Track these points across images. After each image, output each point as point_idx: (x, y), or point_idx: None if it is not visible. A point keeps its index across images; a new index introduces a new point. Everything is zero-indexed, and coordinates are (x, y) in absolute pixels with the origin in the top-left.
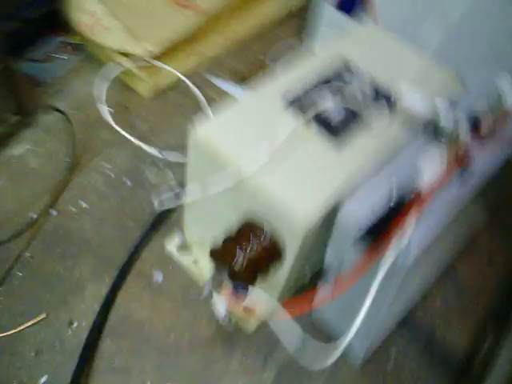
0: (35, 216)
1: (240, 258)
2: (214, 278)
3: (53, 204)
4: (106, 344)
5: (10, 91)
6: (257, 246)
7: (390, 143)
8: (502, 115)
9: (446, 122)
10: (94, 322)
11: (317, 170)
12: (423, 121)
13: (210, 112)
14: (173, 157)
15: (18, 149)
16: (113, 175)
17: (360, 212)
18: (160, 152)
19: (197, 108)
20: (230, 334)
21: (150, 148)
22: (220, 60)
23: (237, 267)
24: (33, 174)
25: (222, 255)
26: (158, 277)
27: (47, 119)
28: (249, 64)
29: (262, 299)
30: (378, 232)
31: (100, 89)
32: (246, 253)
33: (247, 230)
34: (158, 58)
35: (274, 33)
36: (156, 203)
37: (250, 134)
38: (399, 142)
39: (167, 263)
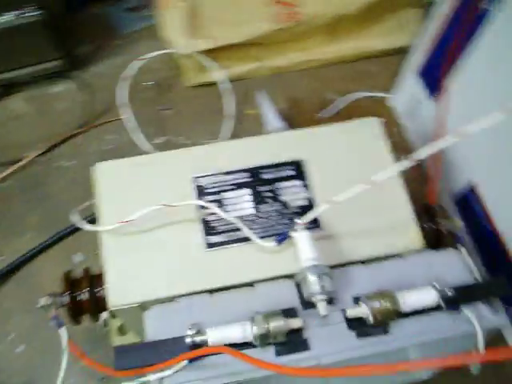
0: (28, 155)
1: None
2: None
3: (49, 151)
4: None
5: (66, 33)
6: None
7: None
8: None
9: None
10: (12, 263)
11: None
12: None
13: (229, 125)
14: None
15: (56, 88)
16: (112, 147)
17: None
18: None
19: (221, 116)
20: None
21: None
22: (282, 80)
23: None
24: (53, 116)
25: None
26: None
27: (93, 70)
28: (307, 103)
29: None
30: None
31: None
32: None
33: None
34: (213, 51)
35: (363, 68)
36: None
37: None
38: None
39: None
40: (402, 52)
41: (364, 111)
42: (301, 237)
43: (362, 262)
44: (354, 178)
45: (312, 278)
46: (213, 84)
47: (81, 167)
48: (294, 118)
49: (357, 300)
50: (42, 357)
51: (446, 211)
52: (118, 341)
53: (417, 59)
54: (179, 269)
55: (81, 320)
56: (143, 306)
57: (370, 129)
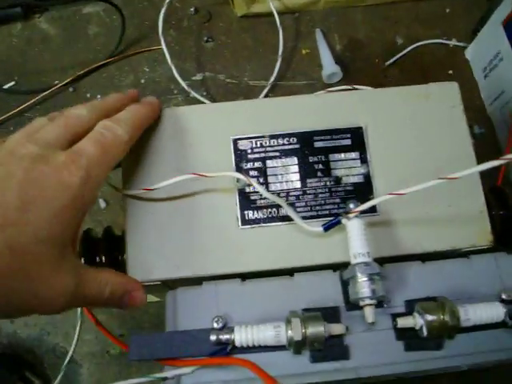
0: (55, 83)
1: None
2: None
3: (79, 80)
4: None
5: None
6: None
7: None
8: None
9: None
10: None
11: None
12: None
13: (282, 65)
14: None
15: (90, 8)
16: (149, 80)
17: None
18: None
19: (272, 54)
20: None
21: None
22: (343, 17)
23: None
24: (83, 41)
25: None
26: None
27: None
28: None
29: None
30: None
31: None
32: None
33: None
34: None
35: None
36: None
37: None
38: None
39: None
40: None
41: (434, 61)
42: (353, 226)
43: (419, 258)
44: (422, 155)
45: (362, 280)
46: (266, 15)
47: None
48: (353, 63)
49: (409, 305)
50: None
51: None
52: None
53: (504, 7)
54: (208, 245)
55: None
56: (166, 284)
57: (446, 97)
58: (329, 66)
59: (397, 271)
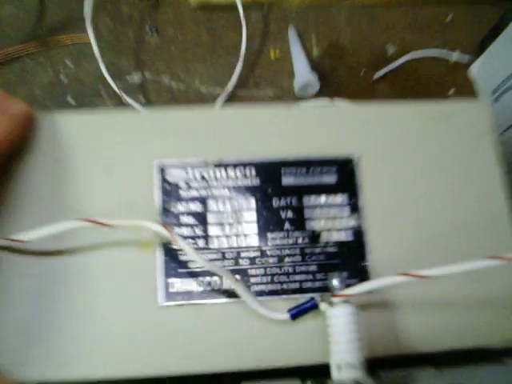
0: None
1: None
2: None
3: None
4: None
5: None
6: None
7: None
8: None
9: None
10: None
11: None
12: None
13: (243, 70)
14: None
15: None
16: (72, 78)
17: None
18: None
19: (232, 55)
20: None
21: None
22: (325, 15)
23: None
24: None
25: None
26: None
27: None
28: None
29: None
30: None
31: None
32: None
33: None
34: None
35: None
36: None
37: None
38: None
39: None
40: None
41: (431, 77)
42: (338, 317)
43: (429, 360)
44: (438, 202)
45: None
46: (225, 8)
47: (28, 100)
48: (333, 73)
49: None
50: None
51: None
52: None
53: None
54: (109, 334)
55: None
56: None
57: (473, 120)
58: (302, 75)
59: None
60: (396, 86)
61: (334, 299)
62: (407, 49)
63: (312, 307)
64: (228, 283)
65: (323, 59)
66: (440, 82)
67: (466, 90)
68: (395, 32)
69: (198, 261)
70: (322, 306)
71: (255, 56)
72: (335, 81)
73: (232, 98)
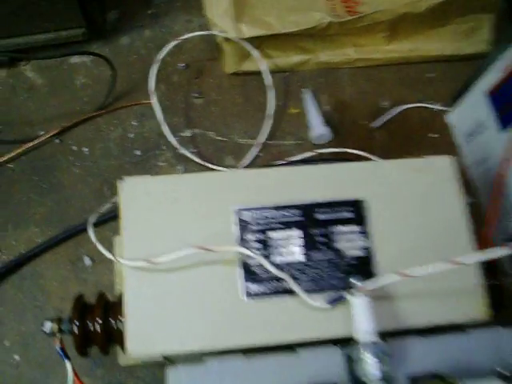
0: (41, 134)
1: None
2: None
3: (65, 132)
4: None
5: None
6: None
7: None
8: None
9: None
10: (11, 261)
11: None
12: None
13: (269, 124)
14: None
15: (77, 59)
16: (137, 135)
17: None
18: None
19: (260, 112)
20: None
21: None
22: (331, 78)
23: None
24: (70, 92)
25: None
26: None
27: (118, 42)
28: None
29: None
30: None
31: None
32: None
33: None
34: (259, 38)
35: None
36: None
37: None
38: None
39: None
40: (470, 59)
41: (419, 124)
42: (359, 303)
43: (417, 331)
44: (421, 229)
45: (371, 360)
46: (254, 74)
47: (100, 155)
48: (341, 124)
49: (414, 382)
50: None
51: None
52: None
53: (489, 76)
54: (211, 319)
55: (89, 352)
56: (167, 359)
57: (443, 169)
58: (318, 128)
59: (398, 347)
60: (392, 133)
61: (355, 293)
62: (397, 101)
63: (342, 298)
64: (287, 284)
65: (333, 113)
66: (426, 128)
67: (448, 134)
68: (386, 88)
69: (270, 269)
70: (348, 296)
71: (279, 112)
72: (342, 130)
73: (264, 147)
